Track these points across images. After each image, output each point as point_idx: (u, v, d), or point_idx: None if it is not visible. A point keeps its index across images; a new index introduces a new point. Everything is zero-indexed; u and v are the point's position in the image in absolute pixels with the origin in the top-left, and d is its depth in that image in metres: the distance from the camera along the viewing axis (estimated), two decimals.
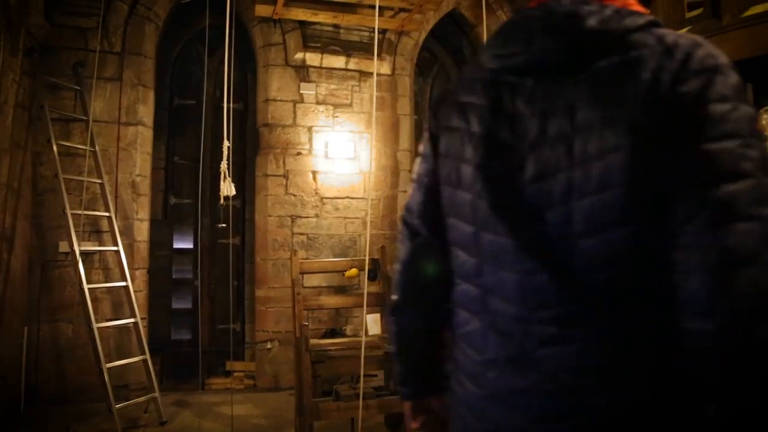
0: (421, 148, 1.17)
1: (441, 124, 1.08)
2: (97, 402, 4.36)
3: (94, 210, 4.79)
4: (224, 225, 3.32)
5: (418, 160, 1.18)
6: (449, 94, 1.09)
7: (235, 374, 5.48)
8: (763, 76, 3.61)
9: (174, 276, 6.10)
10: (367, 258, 3.87)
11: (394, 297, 1.23)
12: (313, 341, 4.19)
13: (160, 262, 5.85)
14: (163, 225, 6.01)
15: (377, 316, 4.92)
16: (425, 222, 1.14)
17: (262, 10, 5.41)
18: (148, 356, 4.54)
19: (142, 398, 4.41)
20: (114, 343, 4.78)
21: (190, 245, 6.18)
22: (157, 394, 4.43)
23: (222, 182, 3.46)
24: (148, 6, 5.29)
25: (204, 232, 6.00)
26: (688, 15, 3.35)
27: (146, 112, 5.26)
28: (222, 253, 6.20)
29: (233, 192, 3.48)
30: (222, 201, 3.45)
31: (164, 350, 5.61)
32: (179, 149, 6.27)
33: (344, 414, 3.82)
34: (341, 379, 4.77)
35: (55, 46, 4.90)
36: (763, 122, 1.73)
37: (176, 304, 6.05)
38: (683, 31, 3.37)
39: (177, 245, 6.16)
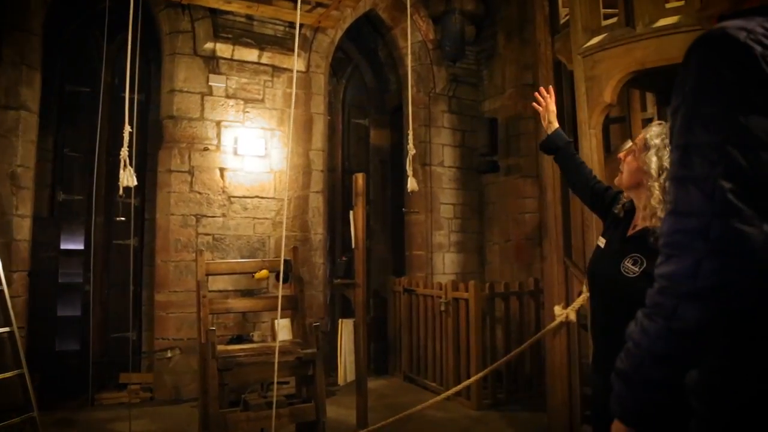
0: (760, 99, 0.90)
1: None
2: None
3: None
4: (123, 219, 2.99)
5: None
6: None
7: (131, 387, 5.03)
8: (670, 84, 3.82)
9: (61, 280, 5.53)
10: (282, 258, 3.67)
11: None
12: (220, 347, 3.91)
13: (44, 265, 5.28)
14: (48, 223, 5.43)
15: (287, 321, 4.70)
16: (766, 213, 0.87)
17: None
18: (25, 370, 4.00)
19: (17, 419, 3.88)
20: None
21: (80, 246, 5.63)
22: (35, 414, 3.92)
23: (122, 171, 3.12)
24: None
25: (97, 231, 5.48)
26: (604, 23, 3.46)
27: (31, 95, 4.73)
28: (117, 255, 5.71)
29: (134, 182, 3.15)
30: (121, 192, 3.11)
31: (46, 363, 5.04)
32: (70, 141, 5.72)
33: (254, 425, 3.57)
34: (249, 387, 4.49)
35: None
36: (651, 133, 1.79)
37: (63, 311, 5.49)
38: (599, 38, 3.48)
39: (65, 246, 5.60)
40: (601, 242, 1.87)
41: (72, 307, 5.51)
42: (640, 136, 1.84)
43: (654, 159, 1.69)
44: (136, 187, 3.26)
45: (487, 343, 5.00)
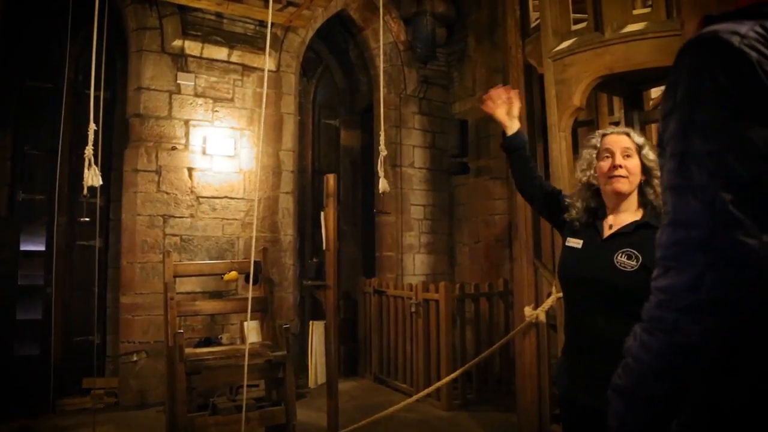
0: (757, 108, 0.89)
1: None
2: None
3: None
4: (87, 219, 2.91)
5: None
6: None
7: (95, 392, 4.88)
8: (637, 89, 3.90)
9: (20, 282, 5.35)
10: (252, 259, 3.62)
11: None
12: (188, 350, 3.83)
13: (2, 266, 5.10)
14: (7, 224, 5.26)
15: (256, 323, 4.64)
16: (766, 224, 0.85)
17: None
18: None
19: None
20: None
21: (42, 247, 5.46)
22: None
23: (86, 170, 3.03)
24: None
25: (60, 231, 5.34)
26: (574, 27, 3.51)
27: None
28: (81, 256, 5.55)
29: (100, 182, 3.06)
30: (86, 192, 3.02)
31: (4, 369, 4.87)
32: (31, 138, 5.55)
33: (223, 429, 3.51)
34: (218, 391, 4.42)
35: None
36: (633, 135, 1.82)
37: (22, 315, 5.31)
38: (569, 42, 3.53)
39: (25, 247, 5.42)
40: (575, 243, 1.87)
41: (33, 310, 5.34)
42: (623, 143, 1.84)
43: (652, 153, 1.75)
44: (101, 186, 3.17)
45: (458, 343, 5.03)
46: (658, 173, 1.66)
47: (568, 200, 1.98)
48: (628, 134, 1.86)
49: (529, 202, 2.30)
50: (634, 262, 1.67)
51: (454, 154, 6.39)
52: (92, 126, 3.09)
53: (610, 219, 1.85)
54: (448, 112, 6.70)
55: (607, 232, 1.82)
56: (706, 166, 0.88)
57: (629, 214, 1.81)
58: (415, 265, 6.32)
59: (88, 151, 3.03)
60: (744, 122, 0.88)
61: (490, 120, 6.04)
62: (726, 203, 0.85)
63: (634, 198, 1.82)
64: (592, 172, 1.89)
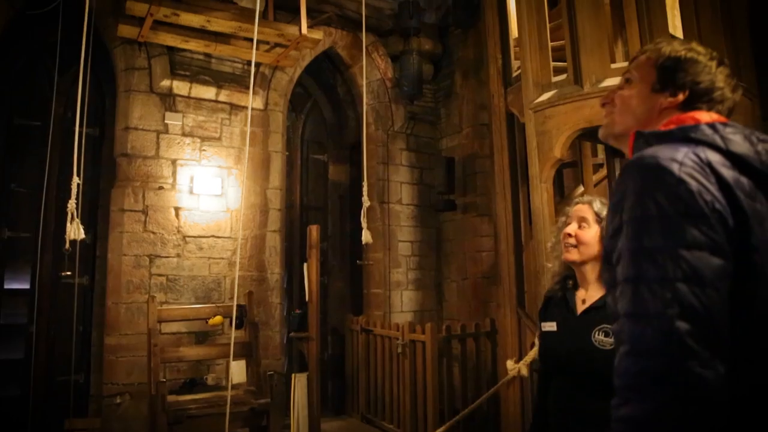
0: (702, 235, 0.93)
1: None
2: None
3: None
4: (68, 249, 2.91)
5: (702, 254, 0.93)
6: None
7: None
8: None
9: (2, 321, 5.30)
10: (234, 303, 3.62)
11: None
12: (170, 398, 3.81)
13: None
14: None
15: (242, 362, 4.62)
16: (721, 351, 0.89)
17: (126, 30, 4.98)
18: None
19: None
20: None
21: (26, 285, 5.42)
22: None
23: (68, 224, 3.04)
24: None
25: (44, 269, 5.31)
26: (554, 79, 3.57)
27: None
28: (66, 295, 5.50)
29: (82, 236, 3.07)
30: (68, 246, 3.02)
31: None
32: (17, 175, 5.53)
33: None
34: None
35: None
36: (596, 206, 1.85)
37: (3, 355, 5.24)
38: (549, 94, 3.59)
39: (9, 285, 5.38)
40: (550, 327, 1.85)
41: (14, 350, 5.27)
42: (581, 212, 1.87)
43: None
44: (89, 222, 3.18)
45: (444, 383, 5.01)
46: None
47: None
48: (590, 203, 1.87)
49: None
50: (611, 339, 1.64)
51: (442, 191, 6.43)
52: (75, 179, 3.10)
53: (582, 293, 1.85)
54: (435, 148, 6.76)
55: (580, 307, 1.83)
56: (659, 295, 0.91)
57: (598, 285, 1.78)
58: (403, 302, 6.32)
59: (71, 205, 3.04)
60: (691, 251, 0.91)
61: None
62: (682, 334, 0.87)
63: (597, 269, 1.78)
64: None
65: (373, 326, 5.73)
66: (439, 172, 6.51)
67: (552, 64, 3.70)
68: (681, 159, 0.97)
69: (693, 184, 0.94)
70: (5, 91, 5.40)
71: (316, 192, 6.98)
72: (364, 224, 3.40)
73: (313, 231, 3.29)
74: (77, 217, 3.08)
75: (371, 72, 6.49)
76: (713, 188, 0.95)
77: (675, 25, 3.74)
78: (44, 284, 5.36)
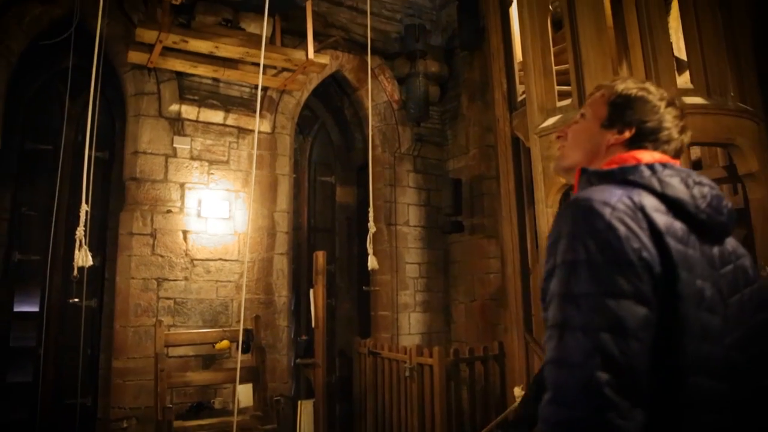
0: (627, 284, 0.95)
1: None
2: None
3: None
4: (77, 276, 2.93)
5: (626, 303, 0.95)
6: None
7: None
8: None
9: (12, 344, 5.32)
10: (241, 327, 3.62)
11: None
12: (177, 423, 3.80)
13: None
14: (1, 285, 5.26)
15: (249, 386, 4.60)
16: (640, 401, 0.92)
17: (136, 56, 5.07)
18: None
19: None
20: None
21: (35, 308, 5.45)
22: None
23: (77, 251, 3.06)
24: None
25: (54, 292, 5.34)
26: (559, 104, 3.58)
27: None
28: (74, 317, 5.53)
29: (90, 263, 3.09)
30: (75, 273, 3.05)
31: None
32: (29, 199, 5.60)
33: None
34: None
35: None
36: None
37: (12, 378, 5.26)
38: (554, 119, 3.59)
39: (19, 308, 5.41)
40: None
41: (23, 372, 5.29)
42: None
43: None
44: (97, 245, 3.20)
45: (452, 407, 4.96)
46: None
47: None
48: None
49: None
50: None
51: (449, 213, 6.43)
52: (84, 207, 3.14)
53: None
54: (442, 169, 6.78)
55: None
56: (581, 344, 0.92)
57: None
58: (411, 324, 6.29)
59: (79, 232, 3.07)
60: (616, 299, 0.92)
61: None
62: (601, 385, 0.88)
63: None
64: None
65: (381, 349, 5.69)
66: (446, 194, 6.52)
67: (557, 88, 3.72)
68: (614, 203, 0.98)
69: (622, 230, 0.95)
70: (18, 117, 5.48)
71: (323, 214, 7.00)
72: (370, 250, 3.40)
73: (320, 257, 3.29)
74: (85, 244, 3.11)
75: (378, 94, 6.54)
76: (643, 234, 0.96)
77: (679, 47, 3.75)
78: (53, 307, 5.39)
